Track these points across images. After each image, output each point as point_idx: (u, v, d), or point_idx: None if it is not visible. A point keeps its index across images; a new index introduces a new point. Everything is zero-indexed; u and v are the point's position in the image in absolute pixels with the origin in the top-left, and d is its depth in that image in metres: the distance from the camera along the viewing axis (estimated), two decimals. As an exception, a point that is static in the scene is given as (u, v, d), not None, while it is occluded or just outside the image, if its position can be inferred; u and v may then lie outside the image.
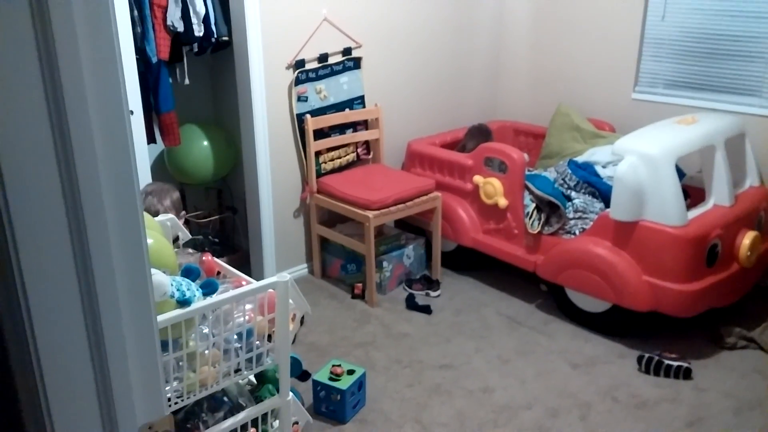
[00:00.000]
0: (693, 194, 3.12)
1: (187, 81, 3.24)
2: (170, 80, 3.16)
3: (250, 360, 1.57)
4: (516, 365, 2.78)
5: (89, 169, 0.73)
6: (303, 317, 3.10)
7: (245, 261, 3.57)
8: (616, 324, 2.94)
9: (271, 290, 1.55)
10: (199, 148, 3.42)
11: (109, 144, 0.76)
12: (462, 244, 3.45)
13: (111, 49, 0.72)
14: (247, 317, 1.54)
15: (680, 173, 3.12)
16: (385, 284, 3.37)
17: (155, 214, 2.13)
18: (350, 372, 2.50)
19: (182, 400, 1.48)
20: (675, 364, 2.69)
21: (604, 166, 3.30)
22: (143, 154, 2.90)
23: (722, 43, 3.33)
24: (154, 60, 2.95)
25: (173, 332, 1.40)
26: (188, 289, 1.41)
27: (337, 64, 3.39)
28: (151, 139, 3.14)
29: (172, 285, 1.40)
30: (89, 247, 0.76)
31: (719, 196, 2.91)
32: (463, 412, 2.49)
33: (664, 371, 2.69)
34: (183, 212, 2.35)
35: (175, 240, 1.93)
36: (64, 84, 0.69)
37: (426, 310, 3.20)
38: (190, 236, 1.90)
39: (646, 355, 2.73)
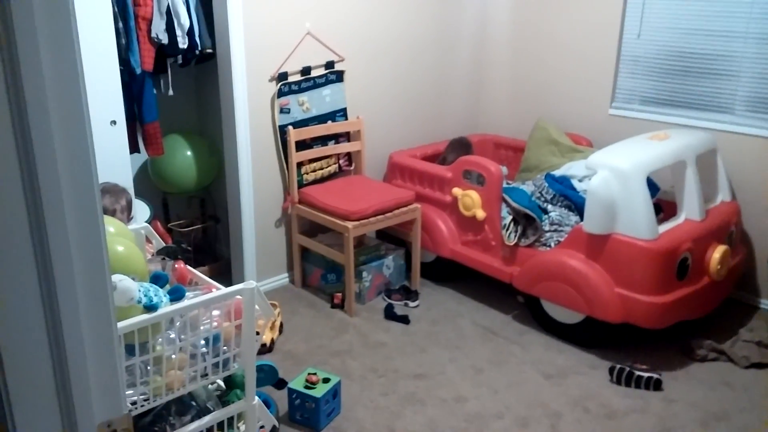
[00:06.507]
0: (667, 208, 3.19)
1: (171, 92, 3.29)
2: (154, 91, 3.20)
3: (216, 365, 1.61)
4: (489, 375, 2.82)
5: (50, 176, 0.77)
6: (282, 325, 3.14)
7: (227, 270, 3.60)
8: (589, 335, 2.99)
9: (238, 297, 1.59)
10: (182, 158, 3.46)
11: (71, 152, 0.80)
12: (441, 255, 3.50)
13: (73, 61, 0.76)
14: (215, 323, 1.58)
15: (655, 188, 3.20)
16: (364, 294, 3.41)
17: (111, 214, 2.16)
18: (325, 380, 2.53)
19: (149, 403, 1.51)
20: (645, 375, 2.73)
21: (580, 180, 3.37)
22: (126, 164, 2.93)
23: (696, 62, 3.42)
24: (138, 71, 3.00)
25: (140, 336, 1.44)
26: (155, 295, 1.45)
27: (320, 77, 3.45)
28: (134, 148, 3.17)
29: (139, 291, 1.44)
30: (50, 253, 0.80)
31: (690, 210, 2.97)
32: (436, 421, 2.52)
33: (635, 382, 2.74)
34: (131, 218, 2.37)
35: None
36: (27, 96, 0.72)
37: (404, 320, 3.24)
38: (164, 244, 1.94)
39: (618, 366, 2.78)
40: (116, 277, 1.40)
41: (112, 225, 1.66)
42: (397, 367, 2.87)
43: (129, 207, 2.32)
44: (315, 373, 2.55)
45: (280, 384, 2.55)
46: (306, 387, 2.49)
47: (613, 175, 2.78)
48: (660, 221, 2.90)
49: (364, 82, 3.67)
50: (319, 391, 2.46)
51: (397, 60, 3.81)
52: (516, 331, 3.17)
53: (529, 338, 3.11)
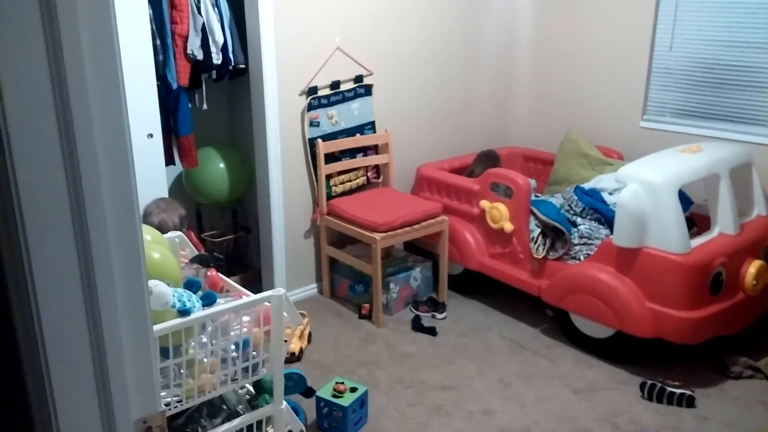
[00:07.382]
0: (700, 222, 3.14)
1: (205, 106, 3.38)
2: (189, 105, 3.30)
3: (246, 369, 1.65)
4: (517, 389, 2.80)
5: (93, 185, 0.82)
6: (310, 335, 3.17)
7: (257, 279, 3.66)
8: (620, 350, 2.94)
9: (267, 303, 1.63)
10: (215, 170, 3.55)
11: (112, 163, 0.84)
12: (468, 267, 3.50)
13: (115, 77, 0.81)
14: (245, 329, 1.62)
15: (688, 201, 3.15)
16: (391, 305, 3.43)
17: (168, 229, 2.25)
18: (353, 389, 2.55)
19: (181, 405, 1.56)
20: (678, 391, 2.68)
21: (610, 193, 3.34)
22: (161, 175, 3.01)
23: (730, 73, 3.38)
24: (175, 86, 3.10)
25: (174, 340, 1.48)
26: (188, 300, 1.50)
27: (349, 90, 3.51)
28: (170, 160, 3.27)
29: (173, 296, 1.49)
30: (92, 259, 0.84)
31: (724, 224, 2.92)
32: (463, 433, 2.52)
33: (667, 398, 2.69)
34: (185, 229, 2.48)
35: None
36: (74, 111, 0.77)
37: (431, 331, 3.25)
38: (197, 252, 2.00)
39: (649, 382, 2.73)
40: (152, 283, 1.45)
41: (148, 233, 1.72)
42: (424, 379, 2.87)
43: (183, 220, 2.45)
44: (342, 383, 2.57)
45: (309, 392, 2.58)
46: (334, 396, 2.51)
47: (644, 188, 2.75)
48: (693, 235, 2.86)
49: (392, 95, 3.71)
50: (347, 400, 2.48)
51: (425, 73, 3.85)
52: (544, 345, 3.14)
53: (557, 352, 3.08)
